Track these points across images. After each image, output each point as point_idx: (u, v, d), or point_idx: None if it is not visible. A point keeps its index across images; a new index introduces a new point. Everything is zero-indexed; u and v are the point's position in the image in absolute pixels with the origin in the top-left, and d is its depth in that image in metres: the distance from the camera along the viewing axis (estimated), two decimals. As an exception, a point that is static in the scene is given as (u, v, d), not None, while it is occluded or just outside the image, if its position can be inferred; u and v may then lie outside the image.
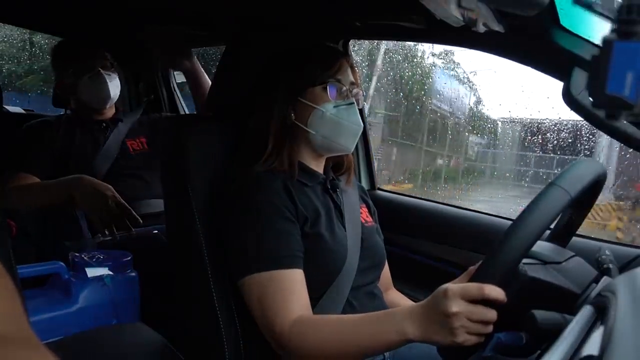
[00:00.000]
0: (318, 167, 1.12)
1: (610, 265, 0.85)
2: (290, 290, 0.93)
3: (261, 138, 1.05)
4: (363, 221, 1.14)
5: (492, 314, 0.75)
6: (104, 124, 1.76)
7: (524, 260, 0.77)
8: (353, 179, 1.20)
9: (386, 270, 1.22)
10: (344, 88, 1.06)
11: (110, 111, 1.79)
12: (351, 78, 1.09)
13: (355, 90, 1.09)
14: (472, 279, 0.77)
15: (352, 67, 1.10)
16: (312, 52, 1.11)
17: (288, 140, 1.06)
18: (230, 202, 1.01)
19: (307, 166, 1.09)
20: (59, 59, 1.75)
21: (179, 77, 2.37)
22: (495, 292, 0.73)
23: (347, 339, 0.87)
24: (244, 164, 1.05)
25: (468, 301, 0.74)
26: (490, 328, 0.76)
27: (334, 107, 1.04)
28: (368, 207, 1.23)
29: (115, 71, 1.77)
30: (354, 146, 1.11)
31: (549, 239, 1.01)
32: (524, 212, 0.75)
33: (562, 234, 0.99)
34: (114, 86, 1.73)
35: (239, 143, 1.10)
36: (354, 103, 1.07)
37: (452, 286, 0.76)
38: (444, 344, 0.77)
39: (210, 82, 1.80)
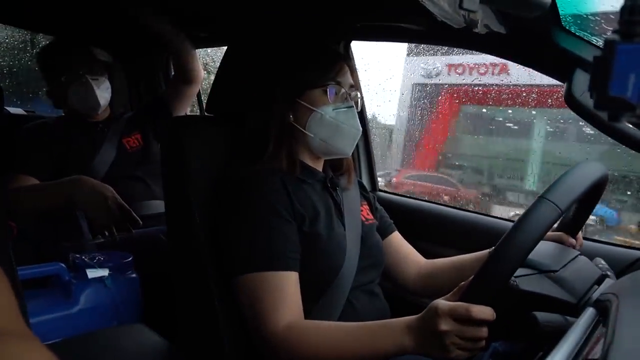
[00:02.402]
0: (317, 166, 1.12)
1: (609, 273, 0.85)
2: (282, 293, 0.92)
3: (260, 138, 1.05)
4: (363, 219, 1.13)
5: (482, 332, 0.76)
6: (100, 125, 1.76)
7: (518, 271, 0.77)
8: (353, 177, 1.20)
9: (405, 248, 1.23)
10: (343, 91, 1.06)
11: (104, 113, 1.79)
12: (351, 81, 1.08)
13: (354, 93, 1.08)
14: (462, 296, 0.77)
15: (352, 70, 1.10)
16: (312, 53, 1.10)
17: (287, 140, 1.06)
18: (228, 201, 1.01)
19: (306, 164, 1.09)
20: (45, 66, 1.73)
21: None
22: (482, 313, 0.74)
23: (341, 348, 0.86)
24: (242, 164, 1.05)
25: (457, 321, 0.75)
26: (482, 344, 0.77)
27: (333, 110, 1.04)
28: (369, 203, 1.22)
29: (105, 72, 1.73)
30: (352, 150, 1.10)
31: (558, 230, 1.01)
32: (512, 229, 0.73)
33: (570, 226, 0.99)
34: (103, 91, 1.70)
35: (238, 142, 1.09)
36: (353, 106, 1.07)
37: (442, 305, 0.77)
38: (439, 358, 0.78)
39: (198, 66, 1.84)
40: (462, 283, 0.81)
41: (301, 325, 0.91)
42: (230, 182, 1.02)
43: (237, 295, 0.96)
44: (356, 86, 1.10)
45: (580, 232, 1.03)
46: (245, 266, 0.94)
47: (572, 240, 1.00)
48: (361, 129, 1.08)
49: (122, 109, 2.03)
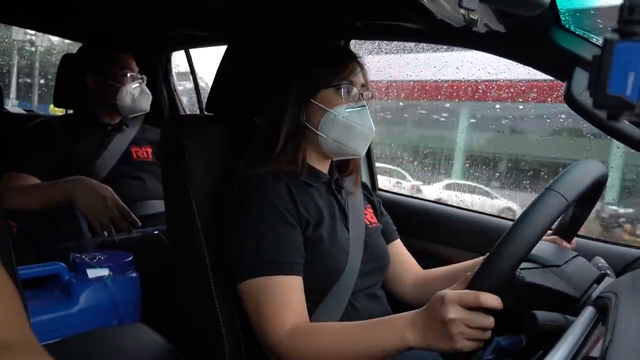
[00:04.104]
0: (323, 167, 1.11)
1: (608, 272, 0.85)
2: (288, 297, 0.92)
3: (271, 138, 1.04)
4: (367, 222, 1.13)
5: (489, 321, 0.75)
6: (110, 128, 1.76)
7: (523, 265, 0.77)
8: (360, 180, 1.19)
9: (405, 257, 1.22)
10: (356, 90, 1.05)
11: (119, 116, 1.80)
12: (362, 80, 1.07)
13: (366, 93, 1.07)
14: (469, 285, 0.77)
15: (362, 69, 1.08)
16: (324, 53, 1.09)
17: (298, 141, 1.05)
18: (232, 203, 1.00)
19: (312, 167, 1.08)
20: (103, 56, 1.77)
21: (179, 77, 2.37)
22: (491, 300, 0.74)
23: (346, 347, 0.86)
24: (252, 165, 1.03)
25: (465, 308, 0.75)
26: (488, 334, 0.76)
27: (346, 110, 1.03)
28: (373, 206, 1.22)
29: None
30: (365, 150, 1.09)
31: (554, 234, 1.01)
32: (519, 218, 0.74)
33: (567, 230, 0.99)
34: None
35: (248, 144, 1.08)
36: (365, 106, 1.05)
37: (449, 293, 0.76)
38: (444, 350, 0.78)
39: None
40: (468, 274, 0.81)
41: (306, 327, 0.91)
42: (235, 185, 1.01)
43: (242, 299, 0.96)
44: (367, 86, 1.09)
45: (574, 238, 1.03)
46: (250, 271, 0.93)
47: (567, 244, 1.00)
48: (374, 128, 1.07)
49: None
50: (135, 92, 1.74)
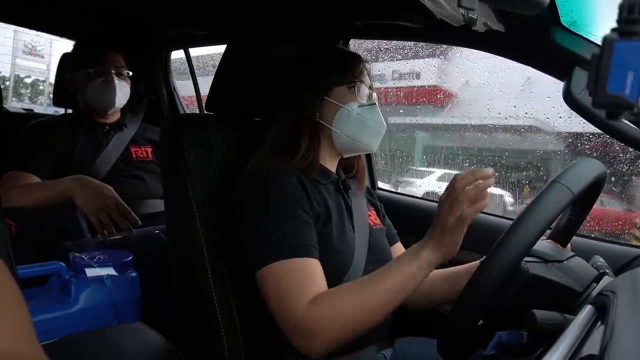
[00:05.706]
0: (332, 167, 1.13)
1: (607, 271, 0.85)
2: (309, 278, 0.91)
3: (287, 137, 1.06)
4: (371, 224, 1.13)
5: (485, 185, 0.85)
6: (107, 127, 1.76)
7: (526, 258, 0.78)
8: (365, 182, 1.20)
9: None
10: (367, 89, 1.09)
11: (114, 116, 1.78)
12: (369, 82, 1.11)
13: (374, 94, 1.11)
14: (474, 275, 0.78)
15: (368, 72, 1.12)
16: (335, 54, 1.14)
17: (314, 138, 1.06)
18: (246, 195, 1.00)
19: (322, 165, 1.09)
20: (77, 56, 1.77)
21: (178, 77, 2.37)
22: (483, 172, 0.85)
23: (369, 296, 0.88)
24: (263, 161, 1.04)
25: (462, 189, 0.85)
26: (486, 202, 0.86)
27: (359, 106, 1.06)
28: (376, 209, 1.23)
29: (128, 79, 1.76)
30: (377, 145, 1.12)
31: (549, 238, 1.01)
32: (526, 209, 0.75)
33: (562, 234, 0.99)
34: (122, 95, 1.72)
35: (249, 143, 1.09)
36: (376, 104, 1.09)
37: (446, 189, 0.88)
38: (457, 241, 0.87)
39: None
40: (473, 263, 0.84)
41: (325, 293, 0.90)
42: (248, 178, 1.01)
43: (262, 286, 0.93)
44: (373, 89, 1.12)
45: (569, 243, 1.03)
46: (272, 255, 0.92)
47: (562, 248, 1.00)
48: (385, 125, 1.10)
49: (127, 112, 2.00)
50: (100, 87, 1.68)
